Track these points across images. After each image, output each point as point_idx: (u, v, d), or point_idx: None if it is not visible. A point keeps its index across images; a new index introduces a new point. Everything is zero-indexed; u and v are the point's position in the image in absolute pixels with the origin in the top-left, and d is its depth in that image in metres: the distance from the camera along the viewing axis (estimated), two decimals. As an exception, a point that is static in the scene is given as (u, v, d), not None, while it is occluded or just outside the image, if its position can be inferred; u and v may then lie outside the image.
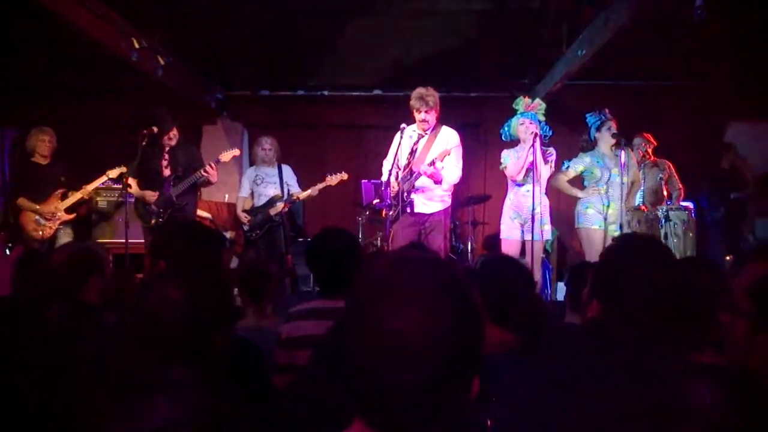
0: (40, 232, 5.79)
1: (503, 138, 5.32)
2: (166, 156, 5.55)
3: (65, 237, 5.93)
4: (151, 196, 5.46)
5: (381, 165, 5.27)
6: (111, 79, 6.84)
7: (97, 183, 6.01)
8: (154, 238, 5.23)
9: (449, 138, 5.00)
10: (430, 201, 4.99)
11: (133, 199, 5.65)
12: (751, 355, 1.51)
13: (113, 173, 6.00)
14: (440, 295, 0.91)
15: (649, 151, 6.17)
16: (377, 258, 1.00)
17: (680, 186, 6.20)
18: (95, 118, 7.52)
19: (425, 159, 4.90)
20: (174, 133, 5.57)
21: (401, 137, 5.01)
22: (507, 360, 1.74)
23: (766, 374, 1.47)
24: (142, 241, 5.64)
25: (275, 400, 1.89)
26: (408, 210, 4.90)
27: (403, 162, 5.00)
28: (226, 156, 5.71)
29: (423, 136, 4.99)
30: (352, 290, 0.96)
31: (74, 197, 5.91)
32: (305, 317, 2.48)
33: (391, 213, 4.90)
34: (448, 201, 5.10)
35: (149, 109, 5.53)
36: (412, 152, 4.98)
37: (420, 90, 4.93)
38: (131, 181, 5.53)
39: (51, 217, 5.84)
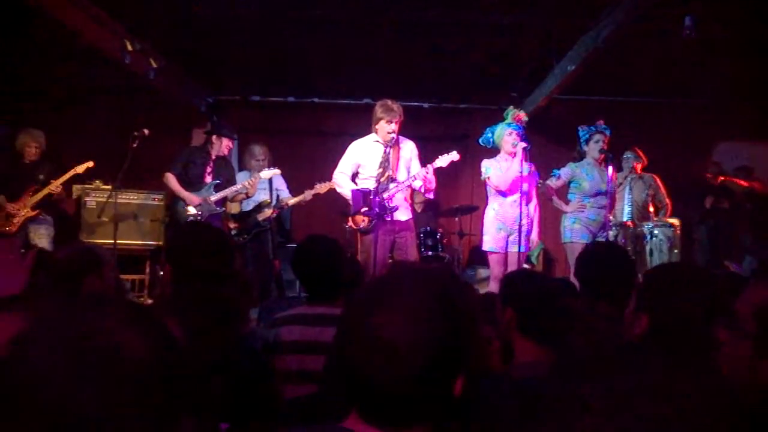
0: (7, 228, 5.77)
1: (482, 143, 5.30)
2: (212, 164, 5.82)
3: (39, 237, 5.89)
4: (195, 198, 5.66)
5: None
6: (104, 81, 6.83)
7: (64, 178, 5.95)
8: (169, 241, 5.31)
9: (412, 148, 5.12)
10: (406, 209, 5.10)
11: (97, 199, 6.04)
12: (753, 379, 1.49)
13: (80, 168, 5.99)
14: (429, 305, 1.00)
15: (637, 165, 6.23)
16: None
17: (667, 201, 6.20)
18: (87, 119, 7.49)
19: (398, 168, 5.00)
20: (230, 145, 5.94)
21: (358, 149, 5.05)
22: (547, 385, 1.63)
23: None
24: (135, 242, 5.86)
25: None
26: (388, 218, 4.87)
27: (374, 172, 5.00)
28: (267, 173, 5.94)
29: (388, 147, 4.98)
30: (351, 297, 1.06)
31: (41, 194, 5.86)
32: (290, 323, 2.50)
33: (364, 223, 4.90)
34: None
35: (140, 113, 5.65)
36: (387, 161, 4.99)
37: (387, 101, 4.93)
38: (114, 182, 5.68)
39: (16, 213, 5.81)
